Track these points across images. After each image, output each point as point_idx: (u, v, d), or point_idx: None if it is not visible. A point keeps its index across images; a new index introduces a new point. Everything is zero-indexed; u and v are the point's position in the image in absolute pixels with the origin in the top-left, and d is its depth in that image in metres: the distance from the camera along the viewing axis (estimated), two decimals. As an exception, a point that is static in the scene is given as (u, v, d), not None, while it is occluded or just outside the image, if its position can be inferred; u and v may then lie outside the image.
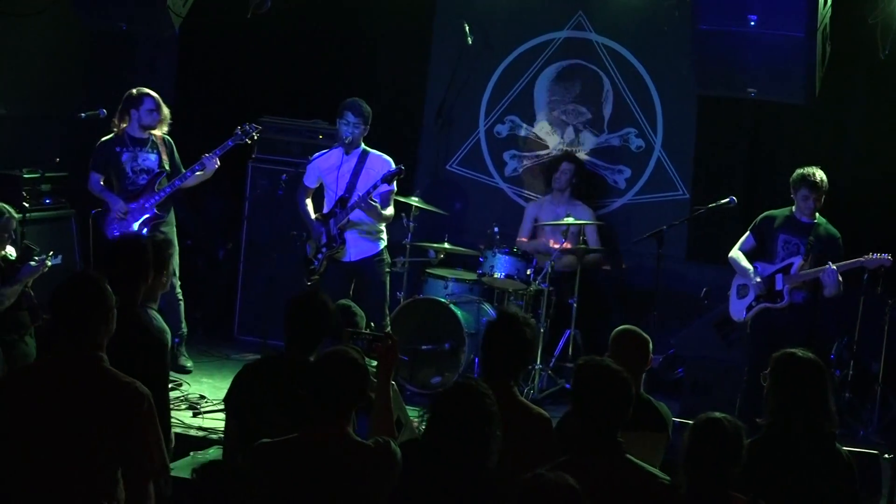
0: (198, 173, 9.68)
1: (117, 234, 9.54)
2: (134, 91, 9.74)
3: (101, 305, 4.98)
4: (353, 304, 7.05)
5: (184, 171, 9.71)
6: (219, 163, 9.70)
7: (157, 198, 9.65)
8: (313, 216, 9.55)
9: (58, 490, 4.80)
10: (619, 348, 6.29)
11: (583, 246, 10.29)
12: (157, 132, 9.75)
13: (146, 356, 5.64)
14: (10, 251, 8.31)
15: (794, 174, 8.99)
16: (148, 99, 9.68)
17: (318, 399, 4.86)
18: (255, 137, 9.81)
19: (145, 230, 9.48)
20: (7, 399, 4.93)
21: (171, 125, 9.84)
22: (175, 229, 9.83)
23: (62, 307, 4.98)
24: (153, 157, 9.72)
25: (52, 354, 5.03)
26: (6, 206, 8.49)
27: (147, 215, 9.62)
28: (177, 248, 9.67)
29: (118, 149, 9.70)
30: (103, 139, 9.78)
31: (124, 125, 9.70)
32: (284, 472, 4.80)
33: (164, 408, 5.78)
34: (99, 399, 4.83)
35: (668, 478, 4.90)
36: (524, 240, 10.83)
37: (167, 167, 9.73)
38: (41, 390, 4.87)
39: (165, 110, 9.76)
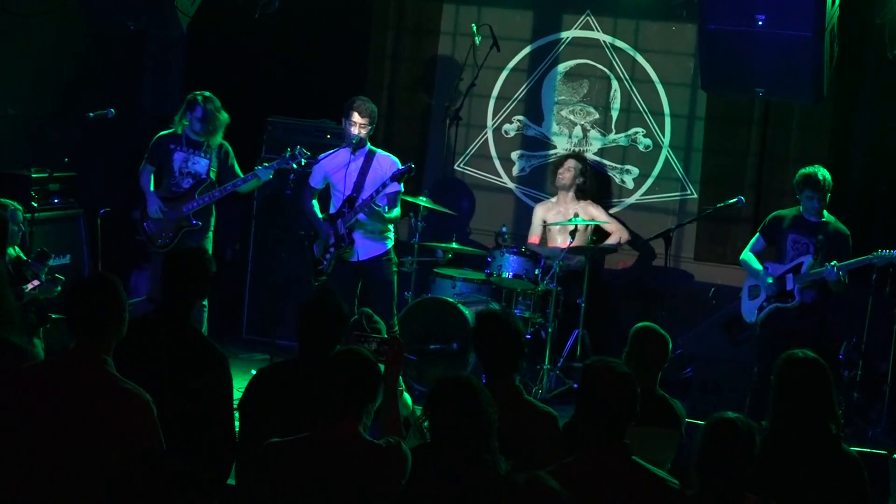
0: (241, 188, 9.71)
1: (149, 231, 9.60)
2: (191, 95, 9.68)
3: (114, 307, 4.94)
4: (374, 313, 7.04)
5: (238, 178, 9.70)
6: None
7: (194, 205, 9.63)
8: (320, 216, 9.57)
9: (56, 491, 4.73)
10: (638, 344, 6.30)
11: (591, 245, 10.29)
12: (215, 138, 9.73)
13: (209, 371, 5.64)
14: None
15: (797, 174, 9.02)
16: (198, 108, 9.59)
17: (330, 397, 4.87)
18: (303, 164, 9.58)
19: (177, 237, 9.56)
20: (8, 397, 4.87)
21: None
22: (211, 238, 9.81)
23: (75, 306, 4.93)
24: (204, 162, 9.68)
25: (58, 354, 4.96)
26: (8, 201, 8.53)
27: (180, 221, 9.65)
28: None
29: (172, 146, 9.69)
30: (162, 133, 9.79)
31: (185, 125, 9.70)
32: (295, 471, 4.80)
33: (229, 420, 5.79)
34: (98, 404, 4.76)
35: (676, 481, 4.88)
36: (534, 241, 10.83)
37: (213, 176, 9.72)
38: (42, 390, 4.81)
39: (221, 118, 9.64)
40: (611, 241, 10.84)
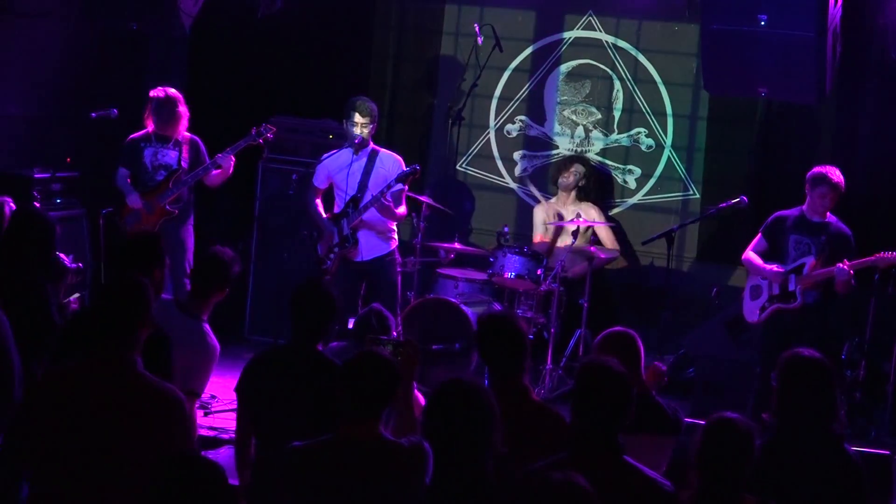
0: (214, 172, 9.73)
1: (130, 227, 9.64)
2: (151, 92, 9.79)
3: (145, 308, 4.96)
4: (384, 309, 7.08)
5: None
6: (234, 159, 9.75)
7: (169, 194, 9.70)
8: (324, 216, 9.57)
9: (91, 490, 4.74)
10: (603, 353, 6.23)
11: (592, 250, 10.28)
12: (181, 130, 9.80)
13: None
14: None
15: (814, 172, 8.95)
16: (154, 100, 9.73)
17: (352, 399, 4.89)
18: (269, 138, 9.81)
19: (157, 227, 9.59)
20: (43, 401, 4.87)
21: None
22: (191, 229, 9.85)
23: (106, 307, 4.95)
24: (173, 154, 9.78)
25: (88, 355, 4.95)
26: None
27: (159, 211, 9.69)
28: (190, 248, 9.76)
29: (142, 144, 9.81)
30: (132, 136, 9.89)
31: (151, 122, 9.78)
32: (320, 473, 4.83)
33: None
34: (133, 404, 4.78)
35: (668, 483, 4.85)
36: (538, 240, 10.82)
37: (184, 165, 9.77)
38: (76, 393, 4.81)
39: (177, 110, 9.75)
40: (608, 246, 10.79)
